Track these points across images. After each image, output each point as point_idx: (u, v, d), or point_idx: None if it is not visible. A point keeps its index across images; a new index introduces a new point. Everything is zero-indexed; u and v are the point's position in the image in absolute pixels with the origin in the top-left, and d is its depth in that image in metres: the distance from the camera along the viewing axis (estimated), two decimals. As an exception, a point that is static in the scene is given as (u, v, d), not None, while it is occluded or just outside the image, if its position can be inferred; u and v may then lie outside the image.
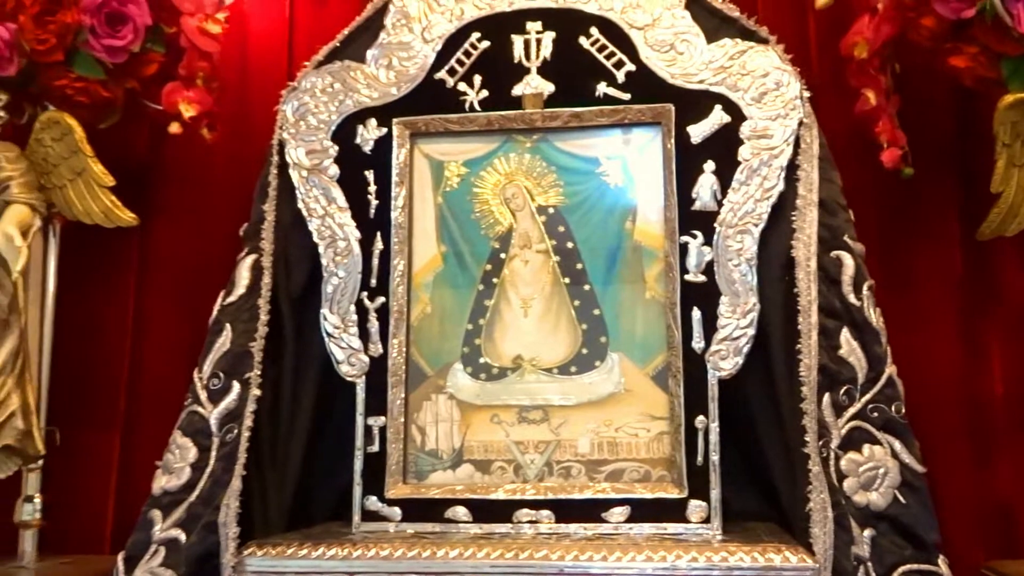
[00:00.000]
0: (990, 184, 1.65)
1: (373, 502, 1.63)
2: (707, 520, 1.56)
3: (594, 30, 1.70)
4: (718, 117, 1.65)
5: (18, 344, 1.65)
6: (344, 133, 1.73)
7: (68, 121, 1.75)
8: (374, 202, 1.71)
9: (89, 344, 2.02)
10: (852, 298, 1.59)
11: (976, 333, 1.93)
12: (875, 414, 1.56)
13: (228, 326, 1.66)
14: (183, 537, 1.54)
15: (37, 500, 1.79)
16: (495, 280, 1.71)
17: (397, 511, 1.63)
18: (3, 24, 1.63)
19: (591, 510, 1.59)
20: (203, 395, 1.62)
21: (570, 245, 1.70)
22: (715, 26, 1.69)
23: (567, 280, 1.70)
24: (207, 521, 1.53)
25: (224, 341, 1.65)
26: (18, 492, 1.80)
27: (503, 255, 1.72)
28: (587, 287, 1.69)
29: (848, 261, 1.60)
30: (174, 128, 1.82)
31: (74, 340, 1.96)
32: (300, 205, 1.71)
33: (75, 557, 1.86)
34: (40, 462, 1.77)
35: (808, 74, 1.92)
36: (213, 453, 1.58)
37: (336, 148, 1.72)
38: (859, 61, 1.75)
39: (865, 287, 1.60)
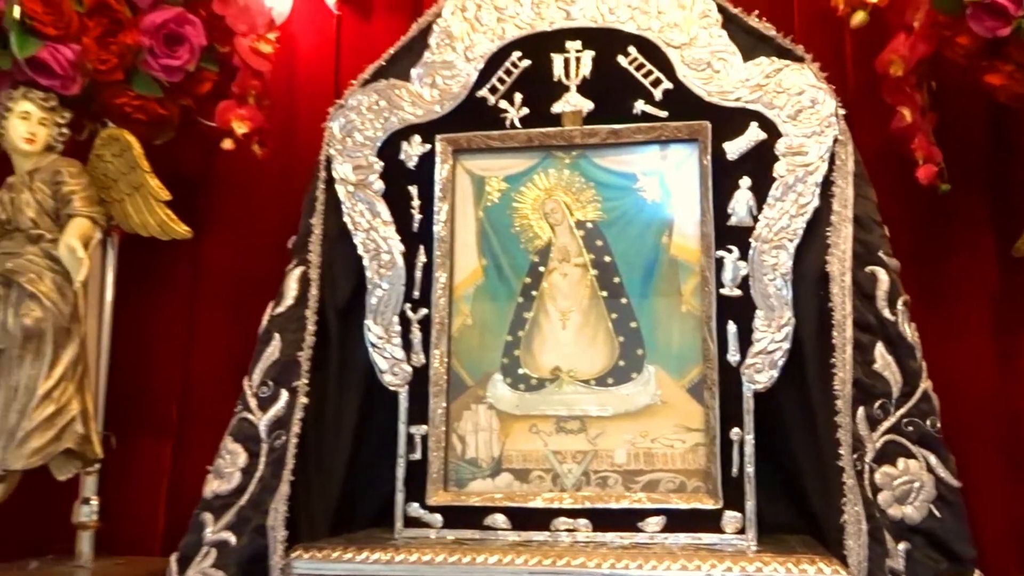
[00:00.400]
0: (1026, 200, 1.67)
1: (415, 509, 1.67)
2: (742, 531, 1.58)
3: (632, 49, 1.73)
4: (754, 134, 1.68)
5: (79, 352, 1.72)
6: (389, 149, 1.78)
7: (127, 138, 1.82)
8: (417, 216, 1.76)
9: (143, 352, 2.08)
10: (887, 313, 1.60)
11: (1013, 349, 1.91)
12: (910, 428, 1.58)
13: (277, 336, 1.72)
14: (233, 539, 1.60)
15: (94, 502, 1.86)
16: (534, 293, 1.75)
17: (438, 518, 1.67)
18: (68, 45, 1.71)
19: (627, 519, 1.62)
20: (253, 402, 1.68)
21: (608, 259, 1.74)
22: (751, 45, 1.72)
23: (605, 293, 1.73)
24: (256, 524, 1.59)
25: (273, 350, 1.71)
26: (76, 494, 1.87)
27: (542, 268, 1.76)
28: (624, 300, 1.72)
29: (883, 276, 1.62)
30: (227, 144, 1.89)
31: (129, 348, 2.02)
32: (346, 219, 1.77)
33: (128, 558, 1.92)
34: (97, 466, 1.83)
35: (844, 91, 1.95)
36: (262, 459, 1.64)
37: (381, 164, 1.78)
38: (895, 79, 1.76)
39: (900, 302, 1.61)
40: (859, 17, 1.77)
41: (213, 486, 1.65)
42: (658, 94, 1.72)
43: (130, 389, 2.02)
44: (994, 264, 1.92)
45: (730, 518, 1.59)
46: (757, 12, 1.74)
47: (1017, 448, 1.89)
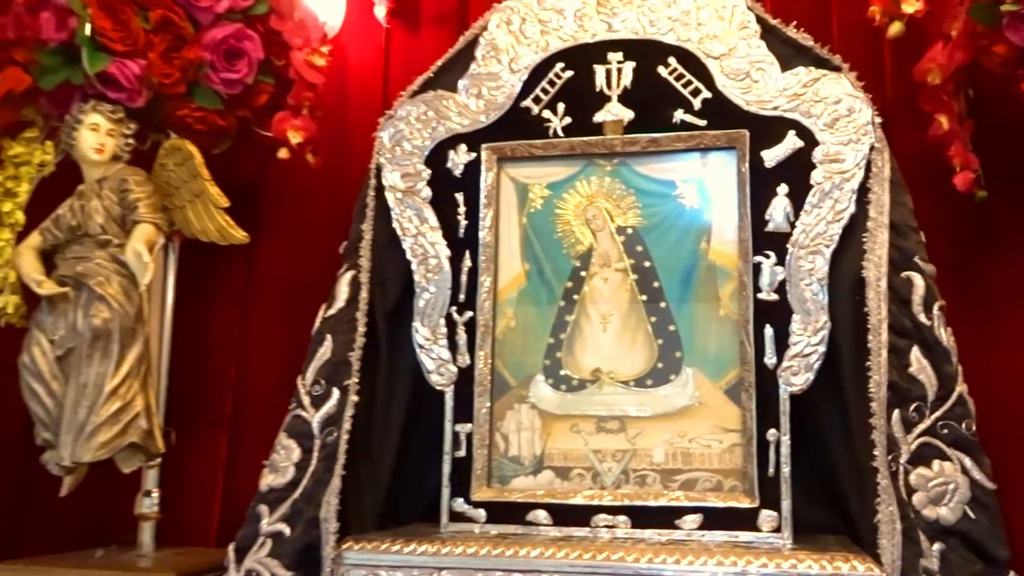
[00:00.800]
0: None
1: (460, 504, 1.72)
2: (778, 529, 1.61)
3: (672, 60, 1.77)
4: (792, 142, 1.71)
5: (143, 351, 1.82)
6: (436, 158, 1.84)
7: (189, 148, 1.91)
8: (463, 222, 1.81)
9: (201, 352, 2.17)
10: (922, 318, 1.63)
11: None
12: (945, 431, 1.59)
13: (329, 337, 1.78)
14: (287, 531, 1.67)
15: (155, 495, 1.94)
16: (576, 297, 1.80)
17: (482, 513, 1.72)
18: (134, 60, 1.81)
19: (665, 517, 1.66)
20: (306, 400, 1.76)
21: (647, 264, 1.78)
22: (789, 55, 1.74)
23: (644, 297, 1.77)
24: (309, 517, 1.65)
25: (325, 351, 1.77)
26: (138, 487, 1.96)
27: (583, 273, 1.80)
28: (663, 304, 1.76)
29: (919, 282, 1.64)
30: (283, 153, 1.97)
31: (188, 348, 2.11)
32: (395, 225, 1.82)
33: (187, 549, 2.00)
34: (158, 460, 1.92)
35: (882, 99, 1.97)
36: (315, 454, 1.71)
37: (429, 172, 1.83)
38: (932, 87, 1.79)
39: (936, 307, 1.63)
40: (896, 28, 1.80)
41: (268, 480, 1.72)
42: (697, 103, 1.76)
43: (189, 387, 2.11)
44: None
45: (766, 517, 1.62)
46: (795, 23, 1.77)
47: (1057, 455, 1.89)
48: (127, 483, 1.96)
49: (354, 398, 1.73)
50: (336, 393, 1.74)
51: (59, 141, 1.88)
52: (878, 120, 1.70)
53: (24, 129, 1.91)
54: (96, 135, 1.83)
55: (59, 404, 1.77)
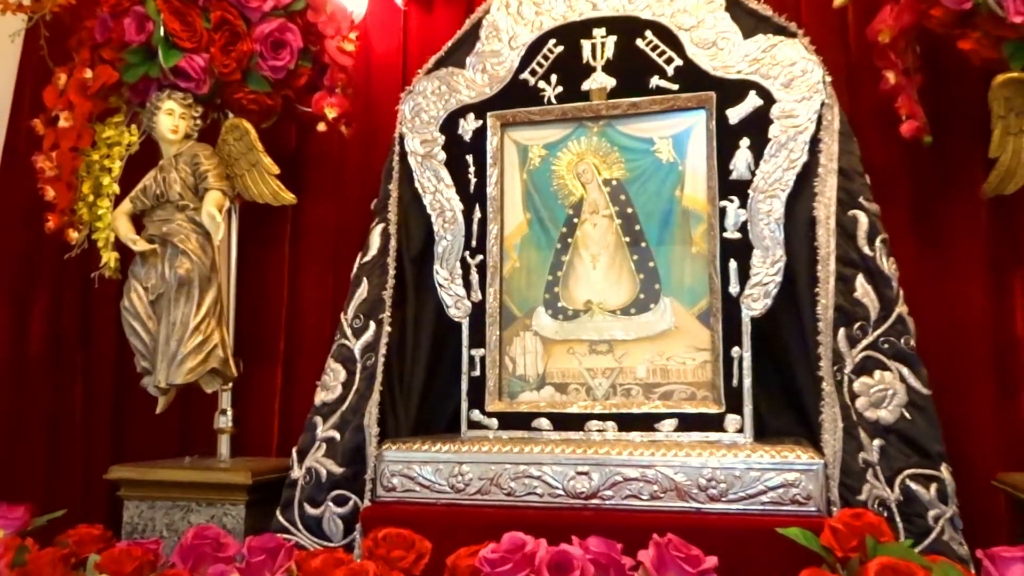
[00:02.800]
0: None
1: (476, 414, 2.00)
2: (741, 430, 1.86)
3: (648, 33, 1.99)
4: (753, 101, 1.91)
5: (217, 295, 2.19)
6: (449, 126, 2.09)
7: (245, 125, 2.23)
8: (473, 180, 2.06)
9: (260, 296, 2.49)
10: (866, 250, 1.86)
11: (1003, 283, 2.10)
12: (886, 345, 1.83)
13: (365, 279, 2.10)
14: (338, 436, 2.02)
15: (229, 413, 2.31)
16: (570, 240, 2.05)
17: (495, 421, 1.98)
18: (199, 55, 2.15)
19: (647, 422, 1.89)
20: (348, 332, 2.09)
21: (630, 211, 2.02)
22: (751, 25, 1.95)
23: (627, 239, 2.02)
24: (356, 424, 2.00)
25: (363, 291, 2.09)
26: (215, 408, 2.33)
27: (576, 220, 2.05)
28: (644, 244, 2.01)
29: (863, 219, 1.86)
30: (321, 127, 2.26)
31: (250, 293, 2.44)
32: (416, 184, 2.09)
33: (254, 458, 2.37)
34: (231, 384, 2.30)
35: (847, 60, 2.18)
36: (358, 375, 2.05)
37: (443, 138, 2.09)
38: (883, 46, 1.96)
39: (878, 240, 1.85)
40: (840, -1, 1.99)
41: (321, 396, 2.08)
42: (671, 71, 1.98)
43: (250, 325, 2.44)
44: (983, 207, 2.08)
45: (731, 420, 1.86)
46: (767, -8, 1.95)
47: (1005, 369, 2.08)
48: (206, 405, 2.35)
49: (387, 329, 2.05)
50: (373, 325, 2.06)
51: (141, 124, 2.25)
52: (828, 79, 1.90)
53: (112, 115, 2.28)
54: (171, 118, 2.18)
55: (154, 339, 2.16)
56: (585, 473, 1.83)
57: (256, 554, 1.60)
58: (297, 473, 2.03)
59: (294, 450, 2.06)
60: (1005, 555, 1.39)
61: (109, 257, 2.21)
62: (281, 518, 2.01)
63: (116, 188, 2.22)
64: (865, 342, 1.85)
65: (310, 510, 2.00)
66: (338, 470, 2.00)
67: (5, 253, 2.69)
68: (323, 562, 1.59)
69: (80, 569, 1.75)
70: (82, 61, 2.21)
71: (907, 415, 1.81)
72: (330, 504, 1.99)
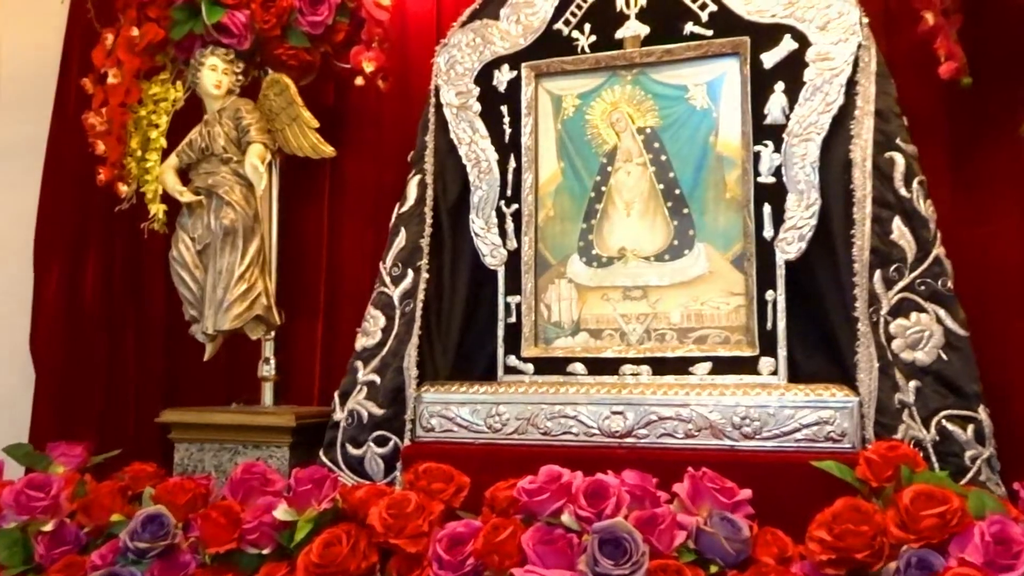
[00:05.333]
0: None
1: (512, 360, 2.04)
2: (775, 372, 1.88)
3: None
4: (787, 45, 1.91)
5: (260, 244, 2.26)
6: (484, 77, 2.12)
7: (285, 80, 2.29)
8: (508, 130, 2.08)
9: (301, 246, 2.54)
10: (903, 191, 1.85)
11: None
12: (922, 287, 1.83)
13: (403, 229, 2.15)
14: (378, 379, 2.08)
15: (273, 361, 2.39)
16: (603, 188, 2.07)
17: (530, 366, 2.02)
18: (241, 11, 2.21)
19: (681, 366, 1.92)
20: (388, 279, 2.14)
21: (664, 158, 2.03)
22: None
23: (661, 186, 2.03)
24: (395, 367, 2.06)
25: (401, 240, 2.14)
26: (259, 356, 2.40)
27: (609, 168, 2.07)
28: (678, 192, 2.02)
29: (899, 160, 1.86)
30: (359, 81, 2.29)
31: (292, 244, 2.49)
32: (452, 135, 2.12)
33: (296, 406, 2.42)
34: (274, 333, 2.37)
35: (886, 2, 2.16)
36: (397, 321, 2.10)
37: (478, 89, 2.11)
38: None
39: (915, 182, 1.85)
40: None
41: (361, 342, 2.14)
42: (704, 16, 1.98)
43: (292, 275, 2.49)
44: (1023, 148, 2.04)
45: (765, 363, 1.88)
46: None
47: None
48: (250, 356, 2.43)
49: (425, 276, 2.10)
50: (411, 273, 2.11)
51: (186, 81, 2.32)
52: (865, 20, 1.89)
53: (158, 73, 2.35)
54: (215, 74, 2.25)
55: (201, 287, 2.25)
56: (620, 412, 1.87)
57: (303, 484, 1.67)
58: (340, 415, 2.10)
59: (336, 393, 2.13)
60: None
61: (158, 209, 2.29)
62: (324, 458, 2.08)
63: (163, 142, 2.30)
64: (901, 284, 1.86)
65: (352, 450, 2.07)
66: (379, 411, 2.06)
67: (58, 210, 2.79)
68: (367, 492, 1.65)
69: (135, 503, 1.84)
70: (129, 20, 2.28)
71: (944, 356, 1.82)
72: (371, 444, 2.06)
